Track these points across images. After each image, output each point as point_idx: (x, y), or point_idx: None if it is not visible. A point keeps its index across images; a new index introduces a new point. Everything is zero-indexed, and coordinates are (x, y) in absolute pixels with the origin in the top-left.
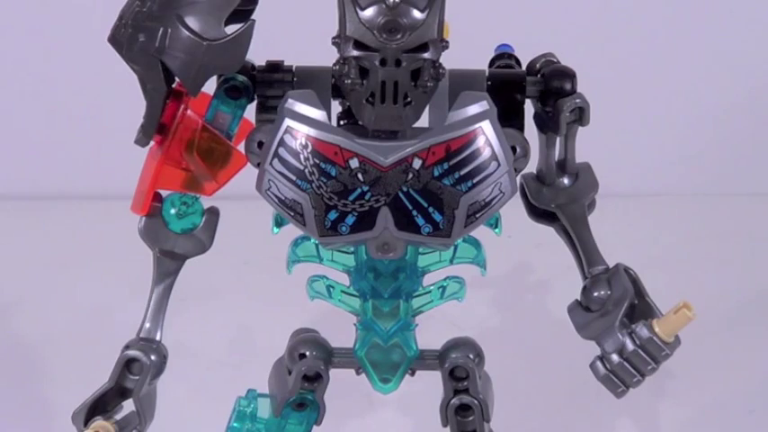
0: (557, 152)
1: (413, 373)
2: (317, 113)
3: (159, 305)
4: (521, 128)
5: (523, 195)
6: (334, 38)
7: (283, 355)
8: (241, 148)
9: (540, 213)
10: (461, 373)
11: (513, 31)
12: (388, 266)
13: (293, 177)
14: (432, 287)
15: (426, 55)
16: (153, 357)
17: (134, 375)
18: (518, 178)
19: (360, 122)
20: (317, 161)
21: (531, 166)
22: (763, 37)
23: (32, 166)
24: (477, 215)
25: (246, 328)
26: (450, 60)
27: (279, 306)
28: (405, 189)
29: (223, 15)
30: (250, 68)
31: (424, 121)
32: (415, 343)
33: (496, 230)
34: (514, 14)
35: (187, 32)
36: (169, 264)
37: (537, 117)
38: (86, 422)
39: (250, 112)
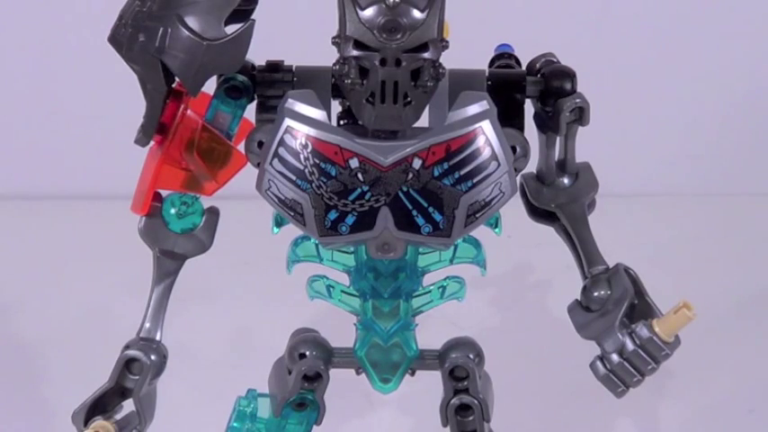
0: (557, 152)
1: (413, 373)
2: (316, 113)
3: (159, 305)
4: (521, 128)
5: (523, 195)
6: (334, 38)
7: (283, 355)
8: (241, 147)
9: (540, 213)
10: (461, 372)
11: (513, 31)
12: (388, 266)
13: (293, 177)
14: (432, 287)
15: (426, 55)
16: (153, 357)
17: (134, 375)
18: (518, 178)
19: (360, 122)
20: (317, 161)
21: (531, 166)
22: (764, 37)
23: (32, 166)
24: (477, 215)
25: (246, 328)
26: (450, 60)
27: (279, 306)
28: (405, 189)
29: (223, 15)
30: (250, 68)
31: (424, 121)
32: (415, 343)
33: (496, 230)
34: (514, 14)
35: (187, 32)
36: (169, 264)
37: (537, 117)
38: (86, 422)
39: (250, 112)
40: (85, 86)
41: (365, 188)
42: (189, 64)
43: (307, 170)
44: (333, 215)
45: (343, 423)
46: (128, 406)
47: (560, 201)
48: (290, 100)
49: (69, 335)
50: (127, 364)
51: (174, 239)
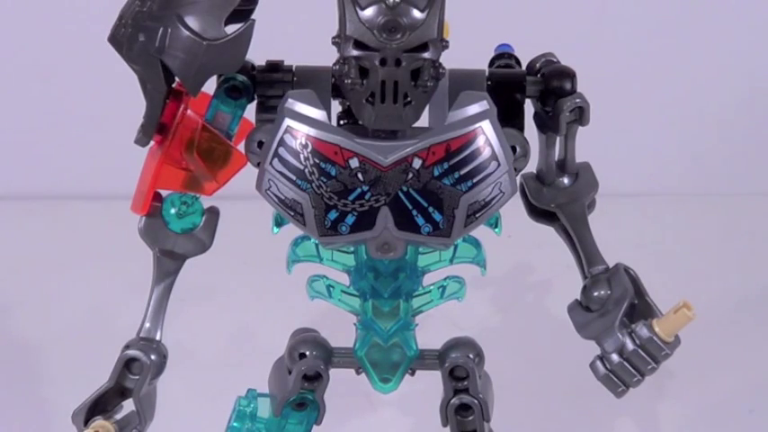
0: (557, 152)
1: (413, 373)
2: (316, 113)
3: (159, 305)
4: (521, 128)
5: (523, 195)
6: (334, 38)
7: (283, 354)
8: (241, 147)
9: (540, 213)
10: (461, 372)
11: (513, 31)
12: (388, 266)
13: (293, 177)
14: (432, 287)
15: (426, 55)
16: (153, 357)
17: (134, 375)
18: (518, 178)
19: (360, 122)
20: (317, 161)
21: (531, 166)
22: (764, 37)
23: (32, 166)
24: (477, 215)
25: (246, 328)
26: (451, 60)
27: (279, 306)
28: (405, 189)
29: (223, 15)
30: (250, 68)
31: (424, 121)
32: (415, 343)
33: (496, 230)
34: (514, 14)
35: (187, 32)
36: (169, 264)
37: (537, 117)
38: (86, 422)
39: (250, 111)
40: (85, 86)
41: (365, 188)
42: (189, 64)
43: (307, 170)
44: (333, 215)
45: (343, 423)
46: (128, 406)
47: (560, 201)
48: (290, 100)
49: (69, 335)
50: (127, 364)
51: (174, 239)
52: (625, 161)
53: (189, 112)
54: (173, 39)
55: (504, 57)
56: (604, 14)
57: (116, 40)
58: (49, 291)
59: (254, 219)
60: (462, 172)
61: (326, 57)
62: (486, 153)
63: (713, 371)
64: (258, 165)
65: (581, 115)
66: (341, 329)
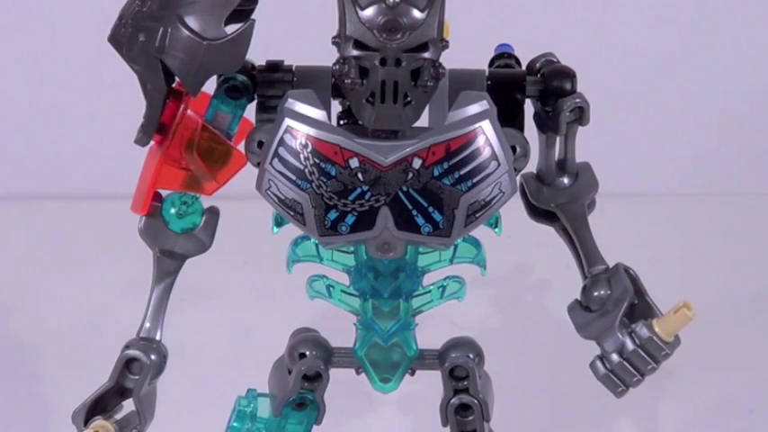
0: (557, 152)
1: (413, 373)
2: (316, 113)
3: (159, 305)
4: (521, 128)
5: (523, 195)
6: (334, 38)
7: (283, 354)
8: (241, 147)
9: (540, 213)
10: (461, 372)
11: (513, 31)
12: (388, 266)
13: (293, 177)
14: (432, 287)
15: (426, 55)
16: (153, 357)
17: (134, 375)
18: (518, 178)
19: (360, 122)
20: (317, 161)
21: (531, 166)
22: (764, 37)
23: (32, 166)
24: (477, 215)
25: (246, 328)
26: (450, 60)
27: (279, 306)
28: (405, 189)
29: (223, 15)
30: (250, 68)
31: (424, 121)
32: (415, 343)
33: (496, 230)
34: (514, 14)
35: (187, 32)
36: (169, 263)
37: (537, 117)
38: (86, 422)
39: (250, 111)
40: (85, 86)
41: (365, 188)
42: (189, 64)
43: (307, 170)
44: (333, 215)
45: (343, 423)
46: (128, 406)
47: (560, 201)
48: (290, 100)
49: (69, 335)
50: (127, 364)
51: (174, 239)
52: (625, 161)
53: (189, 112)
54: (173, 39)
55: (504, 57)
56: (604, 14)
57: (116, 40)
58: (48, 291)
59: (254, 219)
60: (462, 172)
61: (326, 57)
62: (486, 153)
63: (713, 371)
64: (258, 165)
65: (581, 115)
66: (341, 329)
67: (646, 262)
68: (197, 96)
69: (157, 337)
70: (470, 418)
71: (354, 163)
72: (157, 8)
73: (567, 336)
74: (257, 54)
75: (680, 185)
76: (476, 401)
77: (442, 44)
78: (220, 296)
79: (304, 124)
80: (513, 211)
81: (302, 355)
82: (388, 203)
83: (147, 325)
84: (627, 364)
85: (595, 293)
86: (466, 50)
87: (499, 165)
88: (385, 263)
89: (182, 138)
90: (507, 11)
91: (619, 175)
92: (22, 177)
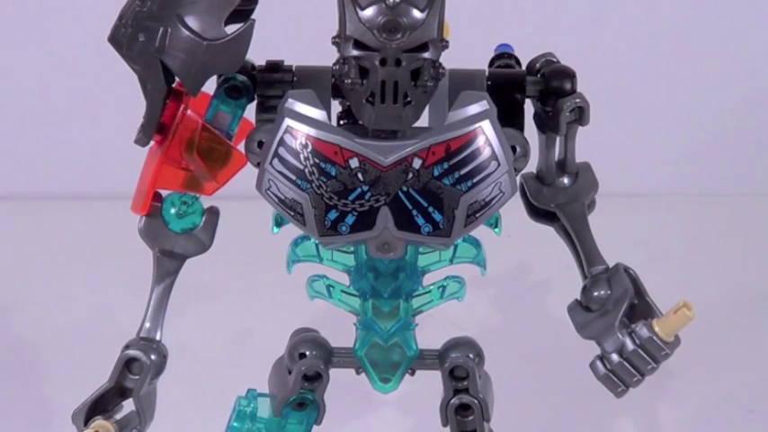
0: (557, 152)
1: (413, 373)
2: (316, 113)
3: (159, 305)
4: (521, 128)
5: (523, 195)
6: (334, 38)
7: (283, 354)
8: (241, 147)
9: (540, 213)
10: (461, 372)
11: (513, 31)
12: (388, 266)
13: (293, 177)
14: (432, 287)
15: (426, 55)
16: (153, 357)
17: (134, 375)
18: (518, 178)
19: (360, 122)
20: (317, 161)
21: (531, 166)
22: (764, 37)
23: (32, 166)
24: (477, 215)
25: (246, 328)
26: (450, 60)
27: (279, 306)
28: (405, 189)
29: (223, 15)
30: (250, 68)
31: (424, 121)
32: (415, 343)
33: (496, 230)
34: (514, 14)
35: (187, 32)
36: (169, 264)
37: (537, 117)
38: (86, 422)
39: (250, 111)
40: (85, 86)
41: (365, 188)
42: (189, 64)
43: (307, 170)
44: (333, 215)
45: (343, 423)
46: (128, 406)
47: (560, 201)
48: (290, 100)
49: (69, 335)
50: (127, 364)
51: (174, 239)
52: (625, 161)
53: (189, 112)
54: (173, 39)
55: (504, 57)
56: (604, 14)
57: (116, 40)
58: (49, 291)
59: (254, 219)
60: (462, 172)
61: (326, 57)
62: (486, 153)
63: (713, 371)
64: (258, 165)
65: (581, 115)
66: (341, 329)
67: (646, 262)
68: (197, 96)
69: (157, 337)
70: (470, 418)
71: (354, 163)
72: (157, 8)
73: (567, 336)
74: (257, 54)
75: (680, 185)
76: (476, 401)
77: (442, 44)
78: (220, 296)
79: (304, 124)
80: (513, 211)
81: (302, 355)
82: (388, 203)
83: (147, 325)
84: (627, 364)
85: (595, 293)
86: (466, 50)
87: (499, 165)
88: (385, 263)
89: (182, 138)
90: (507, 11)
91: (619, 175)
92: (22, 177)
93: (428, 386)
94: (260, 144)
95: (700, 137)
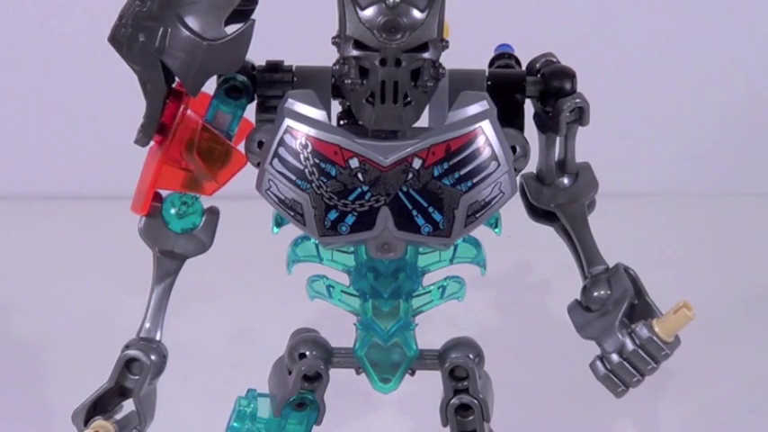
0: (557, 152)
1: (413, 373)
2: (316, 113)
3: (159, 305)
4: (521, 128)
5: (523, 195)
6: (334, 38)
7: (283, 355)
8: (241, 148)
9: (540, 213)
10: (461, 372)
11: (513, 31)
12: (388, 266)
13: (293, 177)
14: (432, 287)
15: (426, 55)
16: (153, 357)
17: (134, 375)
18: (518, 178)
19: (360, 122)
20: (317, 161)
21: (531, 166)
22: (764, 37)
23: (32, 166)
24: (477, 215)
25: (246, 328)
26: (451, 60)
27: (279, 306)
28: (405, 189)
29: (223, 15)
30: (250, 68)
31: (424, 121)
32: (415, 343)
33: (496, 230)
34: (514, 14)
35: (187, 32)
36: (169, 264)
37: (537, 117)
38: (86, 422)
39: (250, 112)
40: (85, 86)
41: (365, 188)
42: (189, 64)
43: (307, 170)
44: (333, 215)
45: (343, 423)
46: (128, 406)
47: (560, 201)
48: (290, 100)
49: (69, 335)
50: (127, 364)
51: (174, 239)
52: (625, 161)
53: (189, 112)
54: (173, 39)
55: (504, 57)
56: (604, 14)
57: (116, 40)
58: (48, 291)
59: (254, 219)
60: (462, 172)
61: (326, 57)
62: (486, 153)
63: (713, 371)
64: (258, 165)
65: (581, 115)
66: (341, 329)
67: (645, 262)
68: (197, 96)
69: (157, 338)
70: (470, 418)
71: (354, 163)
72: (157, 8)
73: (567, 336)
74: (257, 54)
75: (680, 185)
76: (476, 402)
77: (442, 44)
78: (220, 296)
79: (304, 124)
80: (513, 211)
81: (302, 356)
82: (388, 204)
83: (147, 325)
84: (627, 365)
85: (595, 293)
86: (466, 50)
87: (499, 165)
88: (385, 263)
89: (182, 138)
90: (507, 11)
91: (619, 175)
92: (22, 177)
93: (428, 386)
94: (260, 144)
95: (700, 137)
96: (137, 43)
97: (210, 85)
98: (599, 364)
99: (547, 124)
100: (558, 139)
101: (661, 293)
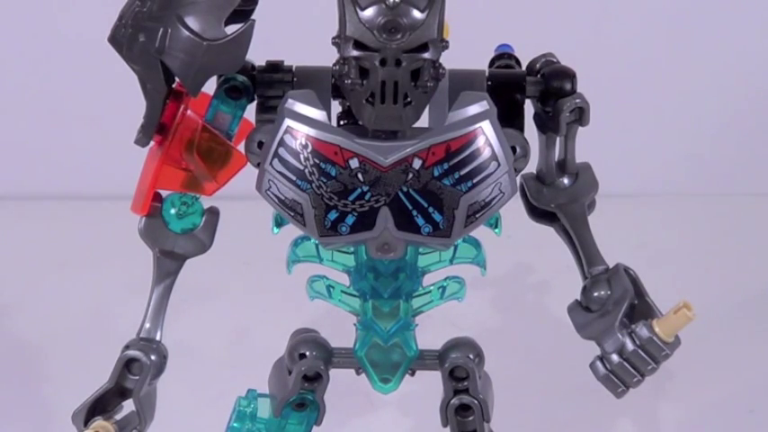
0: (557, 152)
1: (413, 373)
2: (316, 113)
3: (159, 305)
4: (521, 128)
5: (523, 195)
6: (334, 38)
7: (283, 355)
8: (241, 148)
9: (540, 213)
10: (461, 373)
11: (513, 31)
12: (388, 266)
13: (293, 177)
14: (432, 287)
15: (426, 55)
16: (153, 357)
17: (134, 375)
18: (518, 178)
19: (360, 122)
20: (317, 161)
21: (531, 166)
22: (764, 37)
23: (32, 166)
24: (477, 215)
25: (246, 328)
26: (451, 60)
27: (279, 306)
28: (405, 189)
29: (223, 15)
30: (250, 68)
31: (424, 121)
32: (415, 343)
33: (496, 230)
34: (514, 14)
35: (187, 32)
36: (169, 264)
37: (537, 117)
38: (86, 422)
39: (250, 112)
40: (85, 86)
41: (365, 188)
42: (189, 64)
43: (307, 170)
44: (333, 215)
45: (343, 423)
46: (128, 406)
47: (560, 201)
48: (290, 100)
49: (69, 335)
50: (127, 365)
51: (174, 239)
52: (625, 161)
53: (189, 112)
54: (173, 39)
55: (504, 57)
56: (604, 14)
57: (116, 40)
58: (49, 291)
59: (254, 219)
60: (462, 172)
61: (326, 57)
62: (486, 153)
63: (713, 371)
64: (258, 165)
65: (581, 115)
66: (341, 329)
67: (645, 262)
68: (197, 97)
69: (157, 338)
70: (470, 418)
71: (354, 163)
72: (157, 8)
73: (567, 336)
74: (257, 54)
75: (680, 185)
76: (476, 402)
77: (442, 44)
78: (220, 296)
79: (304, 125)
80: (513, 211)
81: (302, 356)
82: (389, 204)
83: (147, 325)
84: (627, 365)
85: (595, 294)
86: (466, 50)
87: (499, 165)
88: (385, 263)
89: (182, 138)
90: (507, 11)
91: (619, 175)
92: (22, 177)
93: (428, 386)
94: (260, 144)
95: (700, 137)
96: (137, 43)
97: (210, 86)
98: (599, 364)
99: (547, 124)
100: (558, 139)
101: (661, 293)
